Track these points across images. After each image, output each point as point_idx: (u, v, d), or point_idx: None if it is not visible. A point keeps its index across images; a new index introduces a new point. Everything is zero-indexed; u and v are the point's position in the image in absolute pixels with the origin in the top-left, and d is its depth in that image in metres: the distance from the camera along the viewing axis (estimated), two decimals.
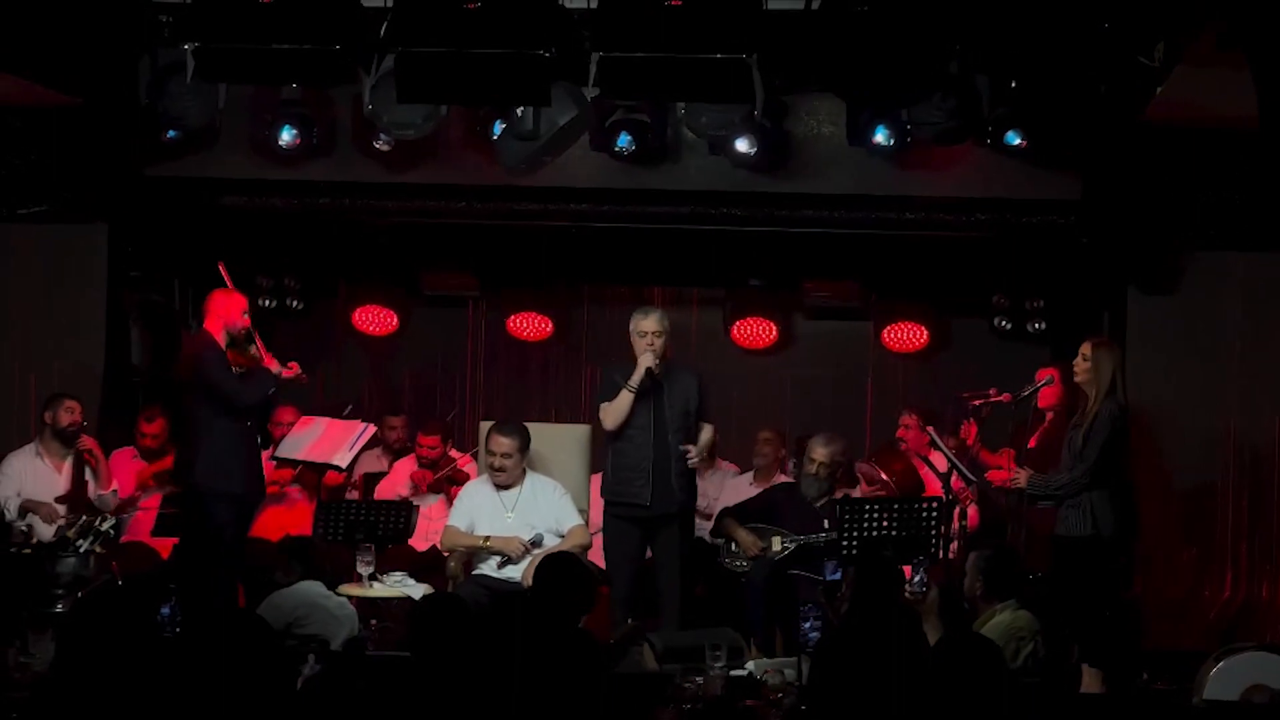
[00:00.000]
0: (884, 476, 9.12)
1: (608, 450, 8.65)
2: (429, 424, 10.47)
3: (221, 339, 8.78)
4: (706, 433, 8.67)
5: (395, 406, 10.90)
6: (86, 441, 9.19)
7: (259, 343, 8.87)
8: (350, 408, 10.23)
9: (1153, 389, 9.15)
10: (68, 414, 9.10)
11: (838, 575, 7.69)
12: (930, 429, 9.40)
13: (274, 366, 8.81)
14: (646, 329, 8.48)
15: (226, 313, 8.82)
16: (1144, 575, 8.94)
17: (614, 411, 8.49)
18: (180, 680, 4.46)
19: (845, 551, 8.16)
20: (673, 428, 8.52)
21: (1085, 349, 8.05)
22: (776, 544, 8.77)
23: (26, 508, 8.98)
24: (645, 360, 8.44)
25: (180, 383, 8.95)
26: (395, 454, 10.57)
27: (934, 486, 9.18)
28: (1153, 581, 9.10)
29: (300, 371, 8.97)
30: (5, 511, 8.81)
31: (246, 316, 8.88)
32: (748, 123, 8.93)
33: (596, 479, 9.33)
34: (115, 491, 9.26)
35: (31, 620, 7.71)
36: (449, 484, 9.95)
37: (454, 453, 10.26)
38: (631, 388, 8.45)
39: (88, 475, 9.26)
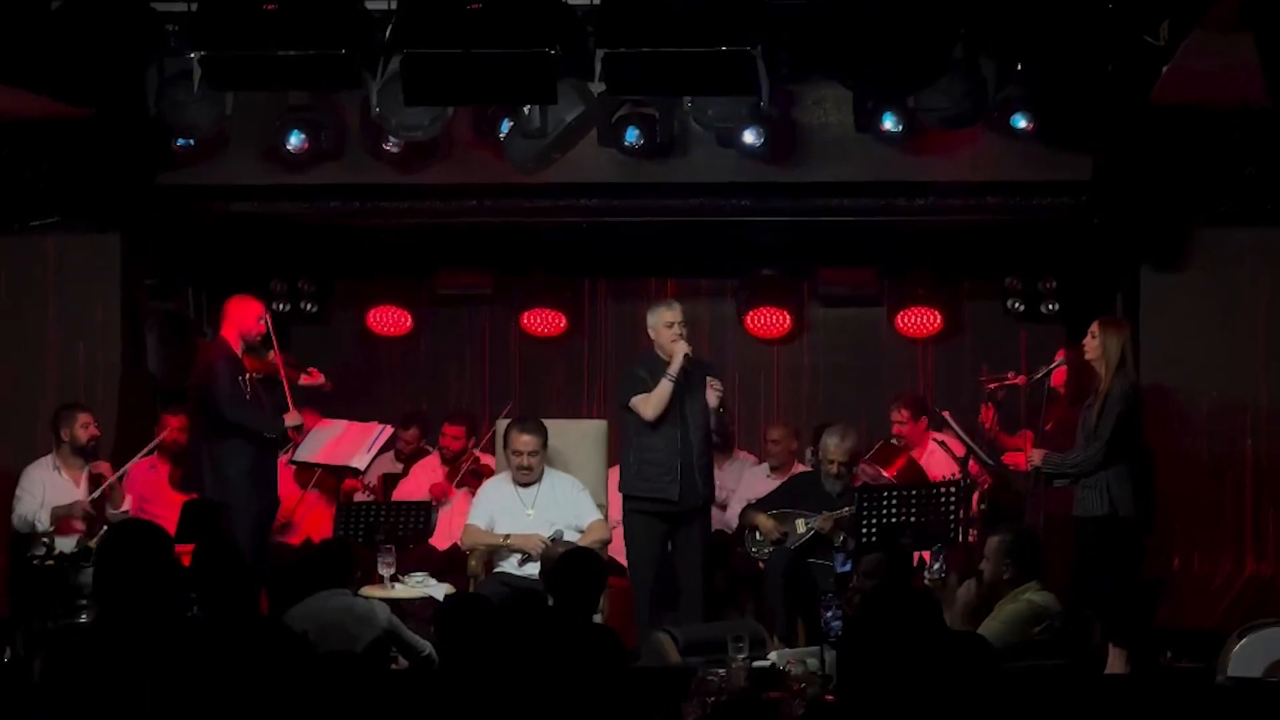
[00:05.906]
0: (887, 475, 9.12)
1: (631, 445, 8.64)
2: (454, 414, 10.49)
3: (237, 345, 8.79)
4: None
5: (409, 417, 10.84)
6: (100, 466, 9.11)
7: (276, 349, 8.89)
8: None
9: (1167, 367, 9.13)
10: (84, 430, 8.91)
11: (848, 567, 7.70)
12: (946, 414, 9.39)
13: (298, 378, 8.85)
14: (673, 319, 8.54)
15: (242, 319, 8.85)
16: (1163, 553, 8.92)
17: (655, 401, 8.48)
18: (203, 687, 4.48)
19: (864, 539, 8.17)
20: (695, 424, 8.55)
21: (1094, 328, 8.18)
22: (801, 526, 8.77)
23: (59, 514, 8.77)
24: (680, 348, 8.48)
25: (194, 391, 8.96)
26: (408, 461, 10.57)
27: (935, 476, 9.20)
28: (1172, 560, 9.08)
29: (323, 379, 8.99)
30: (36, 524, 8.79)
31: (262, 322, 8.91)
32: (754, 114, 8.93)
33: (614, 473, 9.34)
34: (127, 511, 9.16)
35: (56, 631, 7.73)
36: (473, 478, 9.94)
37: (477, 452, 10.26)
38: (671, 376, 8.46)
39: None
